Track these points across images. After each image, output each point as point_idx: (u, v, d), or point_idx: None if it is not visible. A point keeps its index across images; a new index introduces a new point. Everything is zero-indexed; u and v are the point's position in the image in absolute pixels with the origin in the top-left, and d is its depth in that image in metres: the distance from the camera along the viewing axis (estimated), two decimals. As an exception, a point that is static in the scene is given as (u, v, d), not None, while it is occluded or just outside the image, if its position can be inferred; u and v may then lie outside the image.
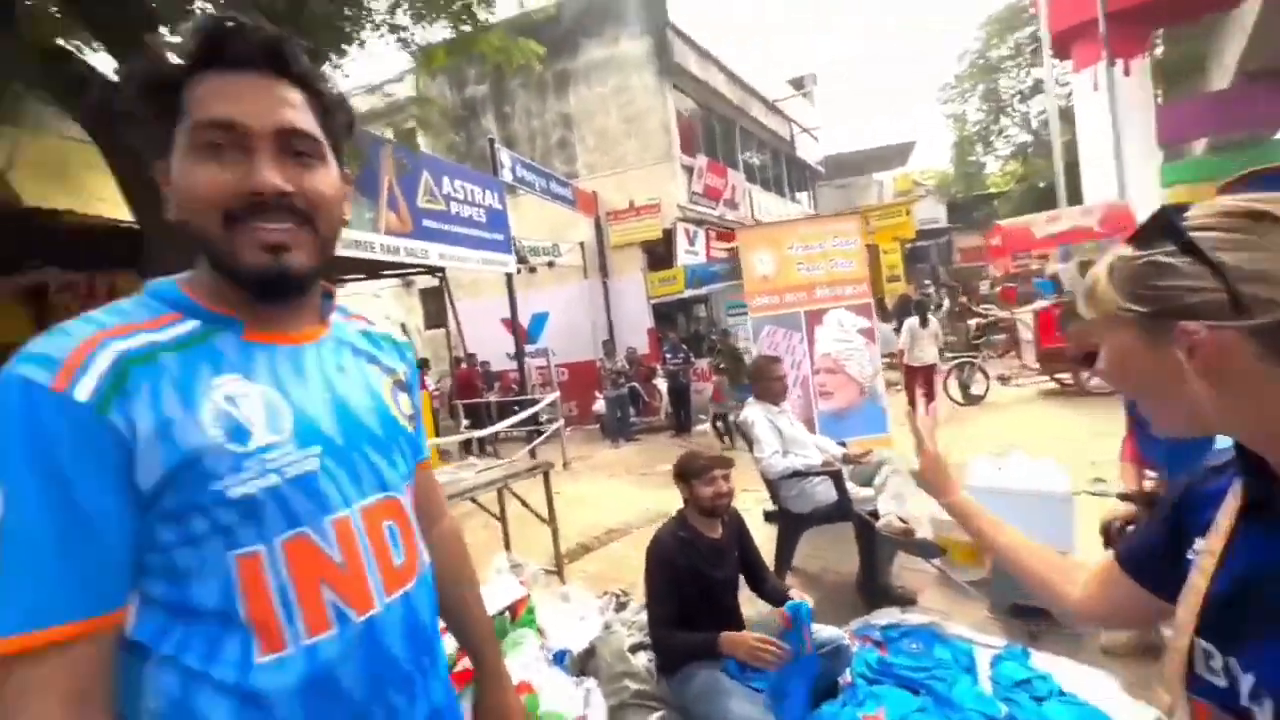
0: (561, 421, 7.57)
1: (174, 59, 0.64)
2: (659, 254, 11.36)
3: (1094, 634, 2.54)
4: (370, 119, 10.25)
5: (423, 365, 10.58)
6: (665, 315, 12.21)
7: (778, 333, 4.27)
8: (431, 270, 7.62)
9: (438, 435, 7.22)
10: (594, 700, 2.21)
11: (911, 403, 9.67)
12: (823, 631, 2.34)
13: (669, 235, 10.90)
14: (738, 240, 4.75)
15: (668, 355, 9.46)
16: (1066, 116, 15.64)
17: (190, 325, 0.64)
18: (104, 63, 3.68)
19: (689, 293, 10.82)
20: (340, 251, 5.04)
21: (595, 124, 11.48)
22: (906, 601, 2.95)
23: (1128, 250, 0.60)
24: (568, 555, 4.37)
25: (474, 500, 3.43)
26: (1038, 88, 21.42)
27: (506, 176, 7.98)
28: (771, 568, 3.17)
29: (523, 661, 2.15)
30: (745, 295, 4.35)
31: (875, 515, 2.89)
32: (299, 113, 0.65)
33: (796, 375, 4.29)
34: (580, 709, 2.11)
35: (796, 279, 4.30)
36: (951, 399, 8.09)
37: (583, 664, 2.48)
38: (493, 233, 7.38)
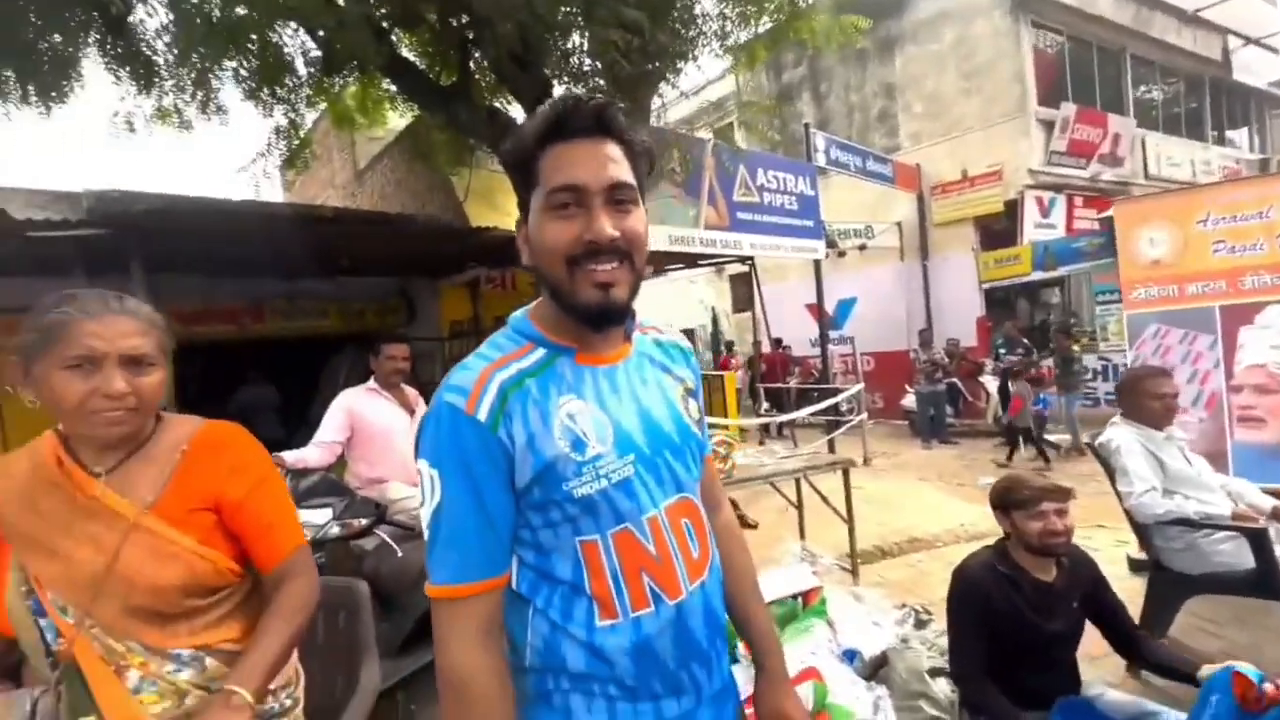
0: (865, 414, 7.22)
1: (528, 133, 0.79)
2: (997, 230, 9.67)
3: None
4: (693, 120, 11.17)
5: (729, 348, 11.30)
6: (1003, 302, 10.37)
7: (1171, 334, 3.25)
8: (742, 259, 8.04)
9: (737, 415, 7.67)
10: (884, 708, 2.17)
11: None
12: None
13: (1012, 207, 9.17)
14: (1114, 214, 3.72)
15: (1001, 350, 8.07)
16: None
17: (540, 353, 0.80)
18: (519, 114, 4.96)
19: (1038, 275, 8.96)
20: (664, 247, 5.76)
21: (924, 88, 10.27)
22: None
23: None
24: (862, 556, 4.24)
25: (772, 484, 3.60)
26: None
27: (820, 160, 7.83)
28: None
29: (811, 649, 2.22)
30: (1123, 283, 3.42)
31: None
32: (621, 167, 0.77)
33: (1201, 392, 3.22)
34: (869, 713, 2.09)
35: (1210, 264, 3.17)
36: None
37: (873, 670, 2.44)
38: (803, 219, 7.37)
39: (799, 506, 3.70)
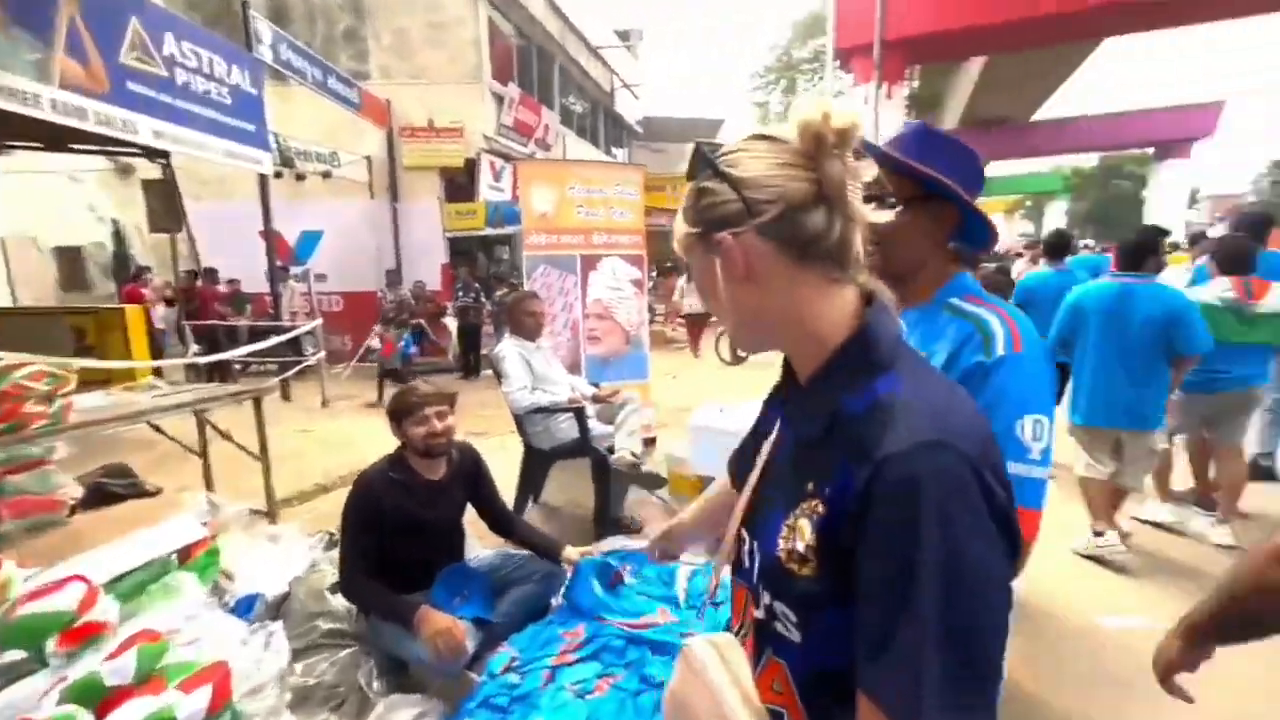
0: (322, 354, 6.73)
1: None
2: (460, 184, 10.56)
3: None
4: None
5: (140, 274, 8.59)
6: (465, 252, 11.49)
7: (551, 273, 4.21)
8: (151, 153, 6.07)
9: (148, 356, 5.90)
10: (276, 645, 1.99)
11: (694, 346, 11.06)
12: (537, 562, 2.40)
13: (472, 165, 10.16)
14: (519, 171, 4.54)
15: (459, 293, 8.95)
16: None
17: None
18: None
19: (490, 231, 10.28)
20: (-21, 100, 3.70)
21: (394, 22, 10.06)
22: (634, 531, 3.19)
23: (690, 185, 0.67)
24: (300, 496, 3.94)
25: (159, 429, 2.84)
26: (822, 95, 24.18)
27: (265, 55, 6.60)
28: (513, 503, 3.21)
29: (173, 609, 1.83)
30: (524, 230, 4.20)
31: (612, 450, 3.04)
32: None
33: (568, 318, 4.31)
34: (250, 655, 1.88)
35: (575, 221, 4.26)
36: (721, 359, 8.99)
37: (276, 609, 2.24)
38: (242, 120, 6.08)
39: (203, 455, 3.05)
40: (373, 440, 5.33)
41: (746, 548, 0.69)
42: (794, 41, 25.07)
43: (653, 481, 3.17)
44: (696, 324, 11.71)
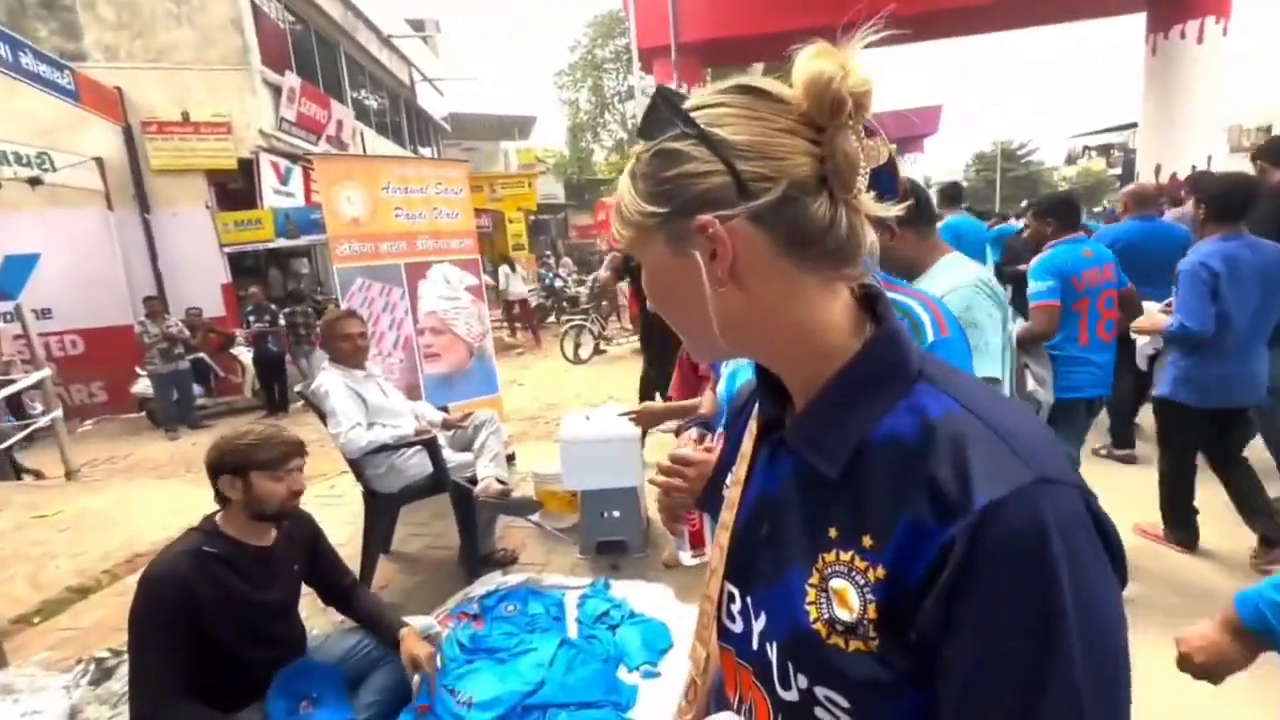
0: (57, 413, 5.21)
1: None
2: (235, 189, 8.95)
3: (658, 552, 2.94)
4: None
5: None
6: (252, 269, 9.79)
7: (374, 287, 3.66)
8: None
9: None
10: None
11: (512, 330, 11.02)
12: (413, 622, 2.03)
13: (249, 166, 8.66)
14: (316, 168, 3.87)
15: (250, 318, 7.59)
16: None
17: None
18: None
19: (283, 242, 8.86)
20: None
21: (116, -9, 8.13)
22: (508, 563, 2.90)
23: (642, 144, 0.49)
24: (45, 610, 2.96)
25: None
26: (632, 93, 25.08)
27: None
28: (359, 558, 2.72)
29: None
30: (330, 239, 3.58)
31: (474, 481, 2.71)
32: None
33: (398, 336, 3.79)
34: None
35: (394, 226, 3.74)
36: (566, 358, 8.80)
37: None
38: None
39: None
40: (149, 514, 4.24)
41: (738, 606, 0.55)
42: (596, 40, 25.49)
43: (525, 506, 2.89)
44: (529, 312, 11.77)
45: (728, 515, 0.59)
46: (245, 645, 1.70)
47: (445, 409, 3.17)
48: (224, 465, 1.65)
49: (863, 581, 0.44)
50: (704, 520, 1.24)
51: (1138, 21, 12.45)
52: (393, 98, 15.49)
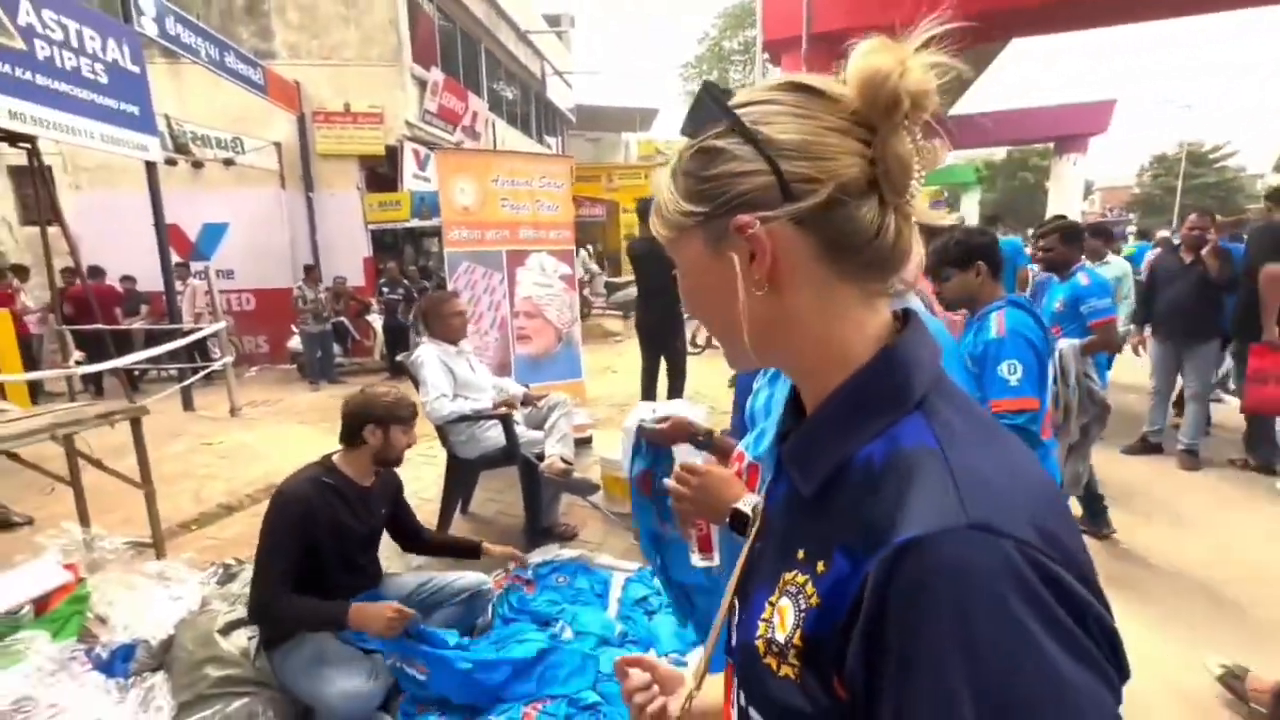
0: (229, 358, 6.20)
1: None
2: (382, 173, 10.00)
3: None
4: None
5: (14, 273, 7.66)
6: (390, 246, 10.91)
7: (476, 270, 4.01)
8: (12, 137, 5.37)
9: (20, 369, 5.26)
10: (158, 700, 1.77)
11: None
12: (464, 578, 2.27)
13: (394, 153, 9.63)
14: (436, 160, 4.28)
15: (384, 289, 8.49)
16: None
17: None
18: None
19: (416, 222, 9.79)
20: None
21: (301, -2, 9.36)
22: (567, 538, 3.09)
23: (685, 141, 0.48)
24: (200, 520, 3.59)
25: (16, 457, 2.48)
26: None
27: (149, 29, 5.95)
28: (438, 515, 3.04)
29: (22, 673, 1.58)
30: (444, 224, 3.96)
31: (542, 457, 2.91)
32: None
33: (495, 317, 4.12)
34: (125, 716, 1.65)
35: (500, 215, 4.06)
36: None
37: (162, 655, 1.99)
38: (121, 100, 5.47)
39: (73, 481, 2.70)
40: (287, 452, 4.96)
41: (736, 618, 0.53)
42: (724, 32, 25.21)
43: (585, 487, 3.07)
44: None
45: (752, 528, 0.58)
46: (336, 568, 2.00)
47: (527, 386, 3.42)
48: (371, 415, 2.00)
49: (803, 606, 0.42)
50: (711, 527, 1.30)
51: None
52: (524, 90, 16.40)
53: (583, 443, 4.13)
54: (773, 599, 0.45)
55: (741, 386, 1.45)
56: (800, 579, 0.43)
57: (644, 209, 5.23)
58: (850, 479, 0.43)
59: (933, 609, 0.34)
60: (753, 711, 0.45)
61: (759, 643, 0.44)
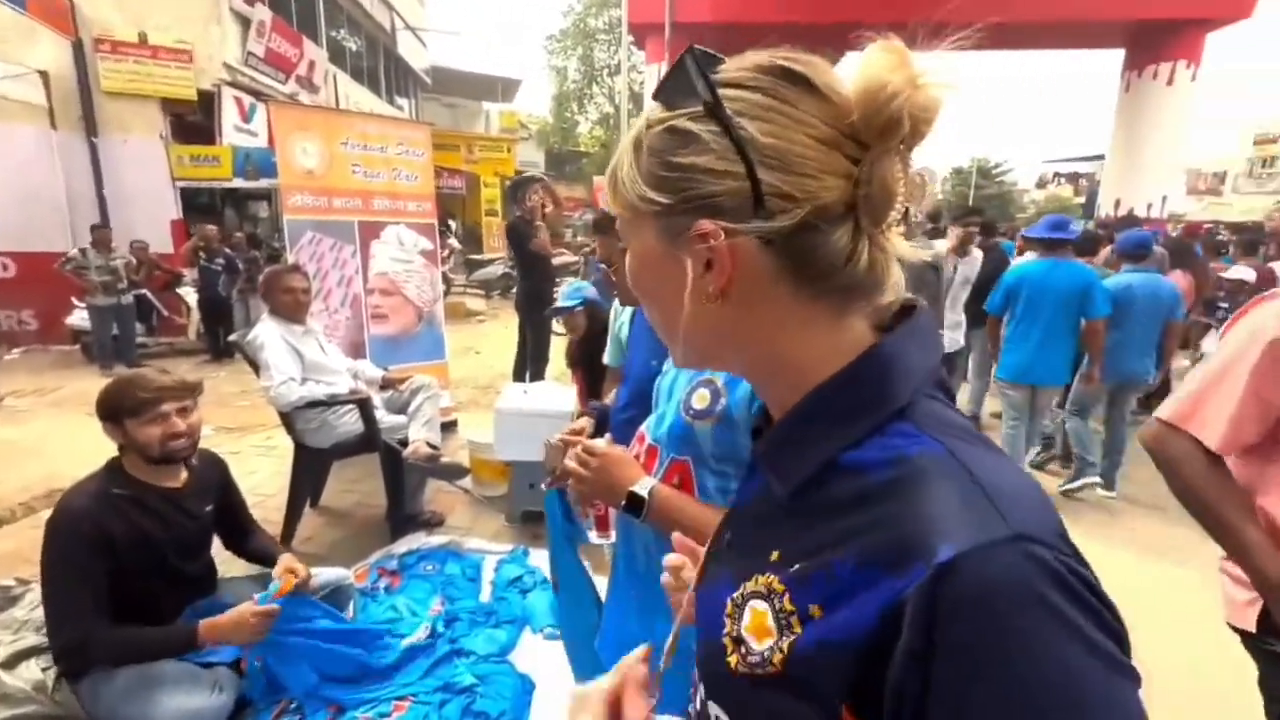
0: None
1: None
2: (194, 122, 8.58)
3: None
4: None
5: None
6: (207, 207, 9.42)
7: (324, 242, 3.63)
8: None
9: None
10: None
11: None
12: (324, 574, 2.11)
13: (209, 100, 8.29)
14: (272, 115, 3.79)
15: (201, 258, 7.33)
16: (638, 100, 18.46)
17: None
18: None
19: (240, 183, 8.55)
20: None
21: (74, -107, 7.59)
22: (434, 525, 2.98)
23: (657, 110, 0.43)
24: (-47, 537, 2.92)
25: None
26: (620, 68, 24.67)
27: None
28: (284, 510, 2.77)
29: None
30: (282, 189, 3.52)
31: (405, 443, 2.77)
32: None
33: (346, 294, 3.77)
34: None
35: (351, 183, 3.70)
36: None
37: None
38: None
39: None
40: (74, 450, 4.14)
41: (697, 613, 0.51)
42: (590, 8, 24.93)
43: (454, 472, 2.97)
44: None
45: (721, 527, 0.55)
46: (156, 583, 1.75)
47: (385, 369, 3.21)
48: (100, 413, 1.67)
49: (784, 609, 0.39)
50: (608, 507, 1.34)
51: (1117, 57, 12.86)
52: (371, 42, 14.94)
53: (448, 426, 3.99)
54: (736, 596, 0.43)
55: (636, 364, 1.47)
56: (778, 586, 0.40)
57: (514, 191, 5.07)
58: (837, 483, 0.40)
59: (991, 626, 0.31)
60: (713, 708, 0.44)
61: (725, 641, 0.42)
